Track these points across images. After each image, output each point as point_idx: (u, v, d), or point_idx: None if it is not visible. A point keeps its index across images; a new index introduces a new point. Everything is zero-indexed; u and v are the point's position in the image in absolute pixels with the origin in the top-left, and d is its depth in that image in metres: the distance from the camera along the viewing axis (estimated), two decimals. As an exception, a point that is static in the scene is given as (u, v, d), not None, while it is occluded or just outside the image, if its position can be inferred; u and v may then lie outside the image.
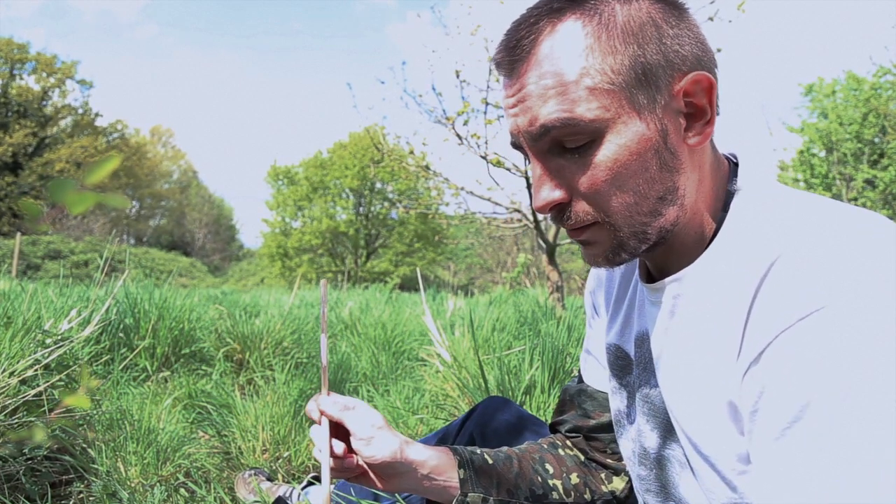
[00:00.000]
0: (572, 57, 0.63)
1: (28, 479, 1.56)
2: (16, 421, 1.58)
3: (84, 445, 1.74)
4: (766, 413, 0.56)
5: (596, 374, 0.98)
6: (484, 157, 5.03)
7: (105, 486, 1.58)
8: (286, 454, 1.97)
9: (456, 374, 2.45)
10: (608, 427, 0.97)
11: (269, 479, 1.73)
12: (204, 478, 1.79)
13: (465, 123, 5.09)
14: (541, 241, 5.28)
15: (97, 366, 2.52)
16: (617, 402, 0.87)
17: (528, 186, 5.04)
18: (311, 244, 26.06)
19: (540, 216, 5.26)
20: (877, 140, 12.84)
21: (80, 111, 34.12)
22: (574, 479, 0.98)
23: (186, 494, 1.64)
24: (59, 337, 2.01)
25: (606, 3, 0.64)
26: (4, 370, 1.65)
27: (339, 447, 0.86)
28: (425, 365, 3.11)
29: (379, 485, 0.88)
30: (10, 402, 1.59)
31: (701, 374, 0.67)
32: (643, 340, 0.79)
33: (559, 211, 0.68)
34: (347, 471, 0.87)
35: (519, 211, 5.43)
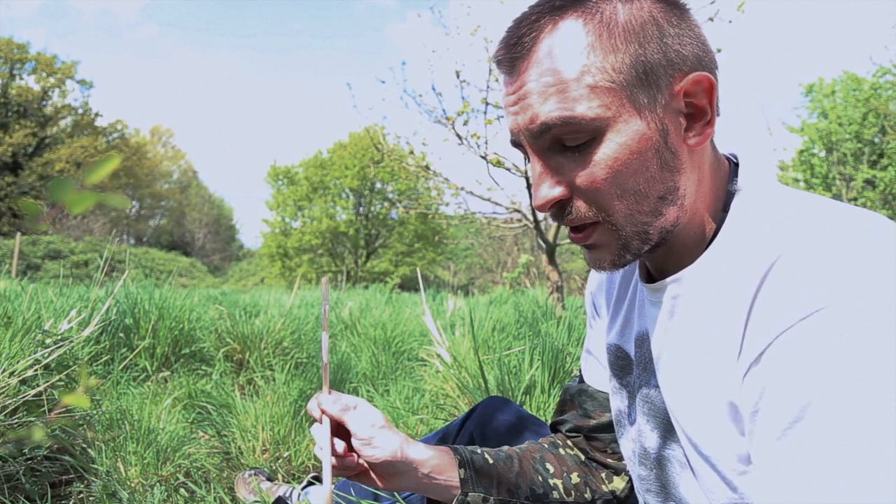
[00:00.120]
0: (573, 55, 0.63)
1: (28, 479, 1.55)
2: (16, 421, 1.58)
3: (84, 445, 1.74)
4: (767, 413, 0.56)
5: (596, 374, 0.98)
6: (484, 157, 5.03)
7: (105, 486, 1.58)
8: (286, 454, 1.97)
9: (456, 374, 2.45)
10: (609, 427, 0.97)
11: (269, 479, 1.73)
12: (204, 478, 1.79)
13: (465, 123, 5.09)
14: (541, 241, 5.28)
15: (97, 366, 2.51)
16: (617, 403, 0.87)
17: (528, 186, 5.04)
18: (311, 244, 26.07)
19: (540, 216, 5.26)
20: (877, 140, 12.84)
21: (80, 111, 34.12)
22: (575, 478, 0.98)
23: (186, 494, 1.64)
24: (59, 337, 2.01)
25: (608, 2, 0.64)
26: (4, 370, 1.65)
27: (340, 446, 0.86)
28: (425, 365, 3.11)
29: (379, 483, 0.88)
30: (10, 402, 1.59)
31: (701, 374, 0.67)
32: (643, 341, 0.79)
33: (559, 208, 0.68)
34: (348, 469, 0.87)
35: (519, 211, 5.43)
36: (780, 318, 0.56)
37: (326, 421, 0.84)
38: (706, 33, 0.68)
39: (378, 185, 26.45)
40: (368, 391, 2.79)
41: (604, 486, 0.99)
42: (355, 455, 0.87)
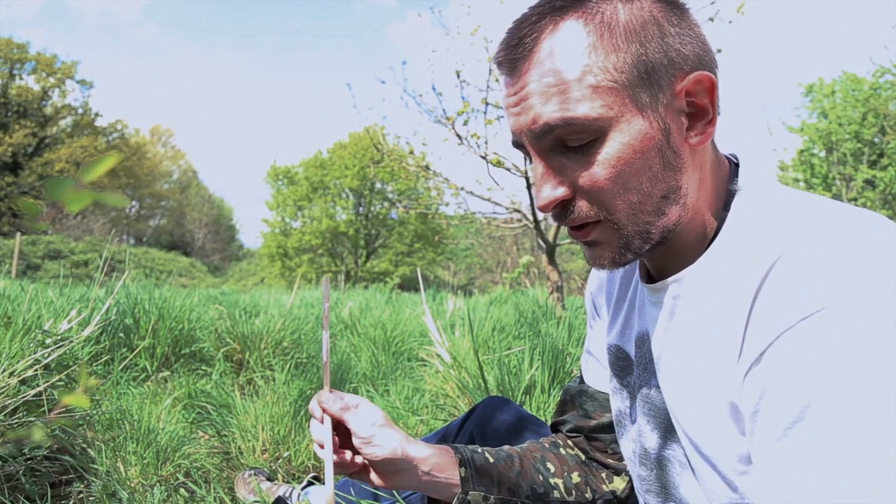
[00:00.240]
0: (575, 55, 0.63)
1: (28, 479, 1.55)
2: (16, 421, 1.58)
3: (84, 445, 1.74)
4: (768, 413, 0.56)
5: (597, 374, 0.98)
6: (484, 157, 5.03)
7: (105, 486, 1.58)
8: (286, 454, 1.96)
9: (456, 375, 2.45)
10: (609, 427, 0.97)
11: (269, 479, 1.73)
12: (204, 478, 1.79)
13: (465, 123, 5.09)
14: (541, 241, 5.28)
15: (97, 366, 2.51)
16: (618, 403, 0.87)
17: (528, 186, 5.04)
18: (311, 244, 26.06)
19: (540, 216, 5.26)
20: (876, 140, 12.84)
21: (80, 111, 34.14)
22: (575, 477, 0.98)
23: (186, 494, 1.64)
24: (59, 337, 2.01)
25: (608, 2, 0.64)
26: (4, 370, 1.64)
27: (335, 445, 0.86)
28: (425, 365, 3.11)
29: (380, 482, 0.88)
30: (9, 402, 1.59)
31: (701, 374, 0.67)
32: (643, 341, 0.79)
33: (562, 209, 0.68)
34: (348, 467, 0.87)
35: (519, 211, 5.43)
36: (781, 319, 0.56)
37: (328, 420, 0.84)
38: (706, 33, 0.68)
39: (378, 185, 26.45)
40: (368, 391, 2.79)
41: (604, 486, 0.99)
42: (348, 453, 0.87)
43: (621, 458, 0.99)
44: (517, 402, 2.08)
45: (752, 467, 0.64)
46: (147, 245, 36.83)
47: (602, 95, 0.62)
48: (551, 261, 5.22)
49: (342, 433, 0.88)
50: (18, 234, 16.13)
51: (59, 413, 1.65)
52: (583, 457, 1.02)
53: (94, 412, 1.89)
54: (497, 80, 4.89)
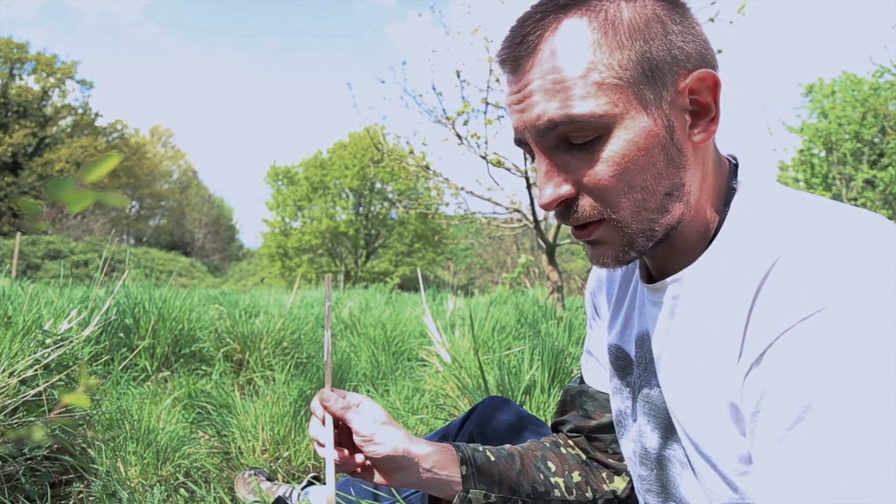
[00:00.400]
0: (579, 52, 0.63)
1: (28, 479, 1.55)
2: (16, 421, 1.58)
3: (84, 445, 1.74)
4: (768, 414, 0.56)
5: (597, 374, 0.98)
6: (484, 157, 5.03)
7: (105, 486, 1.58)
8: (286, 454, 1.96)
9: (455, 375, 2.45)
10: (609, 427, 0.97)
11: (269, 479, 1.73)
12: (204, 478, 1.79)
13: (466, 123, 5.09)
14: (541, 241, 5.28)
15: (97, 366, 2.51)
16: (618, 403, 0.87)
17: (528, 186, 5.04)
18: (310, 244, 26.06)
19: (540, 215, 5.26)
20: (876, 140, 12.84)
21: (80, 111, 34.13)
22: (576, 477, 0.98)
23: (186, 494, 1.64)
24: (59, 337, 2.01)
25: (611, 1, 0.64)
26: (4, 370, 1.64)
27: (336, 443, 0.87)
28: (425, 365, 3.11)
29: (382, 479, 0.88)
30: (9, 402, 1.59)
31: (702, 374, 0.67)
32: (644, 341, 0.79)
33: (565, 207, 0.68)
34: (349, 466, 0.87)
35: (519, 211, 5.43)
36: (781, 319, 0.56)
37: (329, 419, 0.85)
38: (706, 33, 0.69)
39: (378, 185, 26.44)
40: (368, 391, 2.79)
41: (605, 486, 0.99)
42: (345, 451, 0.87)
43: (622, 459, 0.99)
44: (517, 402, 2.08)
45: (753, 467, 0.64)
46: (147, 245, 36.84)
47: (607, 92, 0.62)
48: (551, 261, 5.22)
49: (343, 432, 0.88)
50: (18, 234, 16.13)
51: (59, 413, 1.65)
52: (583, 456, 1.02)
53: (94, 412, 1.89)
54: (497, 80, 4.89)
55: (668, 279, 0.71)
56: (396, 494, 1.09)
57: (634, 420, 0.82)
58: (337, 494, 1.15)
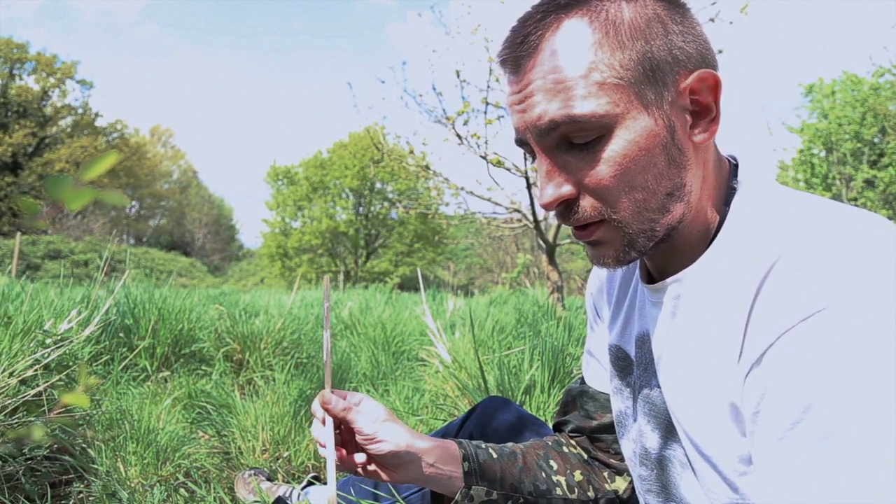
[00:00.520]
0: (580, 52, 0.63)
1: (28, 479, 1.55)
2: (16, 421, 1.58)
3: (84, 445, 1.74)
4: (769, 414, 0.56)
5: (597, 375, 0.98)
6: (484, 157, 5.03)
7: (105, 486, 1.58)
8: (286, 454, 1.96)
9: (455, 375, 2.45)
10: (611, 428, 0.97)
11: (269, 479, 1.73)
12: (204, 478, 1.79)
13: (466, 123, 5.09)
14: (541, 241, 5.28)
15: (97, 366, 2.51)
16: (618, 403, 0.87)
17: (528, 186, 5.04)
18: (310, 244, 26.06)
19: (540, 215, 5.26)
20: (876, 140, 12.84)
21: (80, 111, 34.13)
22: (578, 476, 0.98)
23: (186, 494, 1.64)
24: (59, 337, 2.01)
25: (612, 1, 0.64)
26: (4, 370, 1.64)
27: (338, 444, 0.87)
28: (425, 365, 3.10)
29: (385, 476, 0.89)
30: (9, 402, 1.59)
31: (702, 375, 0.67)
32: (644, 341, 0.79)
33: (566, 207, 0.68)
34: (351, 466, 0.88)
35: (519, 211, 5.43)
36: (781, 319, 0.56)
37: (329, 421, 0.85)
38: (706, 33, 0.69)
39: (378, 185, 26.44)
40: (368, 391, 2.79)
41: (607, 486, 1.00)
42: (343, 451, 0.88)
43: (623, 459, 0.99)
44: (517, 402, 2.08)
45: (753, 468, 0.64)
46: (147, 245, 36.83)
47: (608, 92, 0.62)
48: (551, 261, 5.22)
49: (347, 431, 0.88)
50: (18, 233, 16.13)
51: (59, 413, 1.65)
52: (585, 456, 1.02)
53: (94, 412, 1.89)
54: (497, 80, 4.89)
55: (669, 279, 0.71)
56: (396, 494, 1.09)
57: (635, 420, 0.82)
58: (337, 494, 1.15)
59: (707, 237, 0.70)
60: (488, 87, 4.87)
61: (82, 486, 1.64)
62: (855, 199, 12.34)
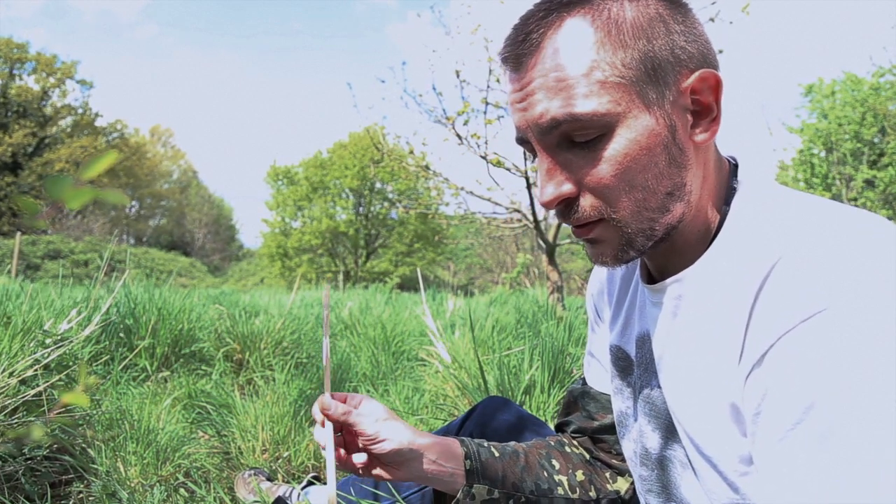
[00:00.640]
0: (582, 51, 0.63)
1: (27, 479, 1.55)
2: (15, 421, 1.58)
3: (84, 445, 1.74)
4: (770, 415, 0.56)
5: (598, 376, 0.98)
6: (484, 157, 5.03)
7: (105, 486, 1.58)
8: (286, 454, 1.96)
9: (455, 375, 2.45)
10: (612, 429, 0.97)
11: (269, 479, 1.73)
12: (204, 478, 1.79)
13: (465, 123, 5.09)
14: (541, 241, 5.28)
15: (97, 366, 2.51)
16: (619, 403, 0.87)
17: (528, 186, 5.04)
18: (310, 244, 26.06)
19: (540, 215, 5.26)
20: (876, 140, 12.84)
21: (80, 111, 34.13)
22: (579, 475, 0.98)
23: (186, 494, 1.64)
24: (59, 337, 2.01)
25: (614, 0, 0.64)
26: (4, 370, 1.64)
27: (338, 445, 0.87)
28: (425, 365, 3.10)
29: (388, 475, 0.89)
30: (9, 402, 1.59)
31: (703, 375, 0.67)
32: (644, 341, 0.79)
33: (566, 206, 0.68)
34: (352, 467, 0.88)
35: (519, 211, 5.43)
36: (782, 320, 0.56)
37: (329, 424, 0.85)
38: (707, 33, 0.68)
39: (378, 185, 26.44)
40: (368, 391, 2.79)
41: (608, 486, 1.00)
42: (342, 451, 0.88)
43: (625, 459, 0.99)
44: (517, 402, 2.08)
45: (754, 468, 0.63)
46: (147, 245, 36.77)
47: (609, 91, 0.62)
48: (551, 261, 5.22)
49: (347, 432, 0.88)
50: (18, 233, 16.13)
51: (59, 413, 1.65)
52: (587, 456, 1.02)
53: (94, 412, 1.89)
54: (497, 80, 4.89)
55: (669, 280, 0.71)
56: (396, 494, 1.09)
57: (635, 420, 0.82)
58: (337, 494, 1.15)
59: (707, 237, 0.70)
60: (488, 87, 4.88)
61: (82, 486, 1.64)
62: (855, 200, 12.34)
